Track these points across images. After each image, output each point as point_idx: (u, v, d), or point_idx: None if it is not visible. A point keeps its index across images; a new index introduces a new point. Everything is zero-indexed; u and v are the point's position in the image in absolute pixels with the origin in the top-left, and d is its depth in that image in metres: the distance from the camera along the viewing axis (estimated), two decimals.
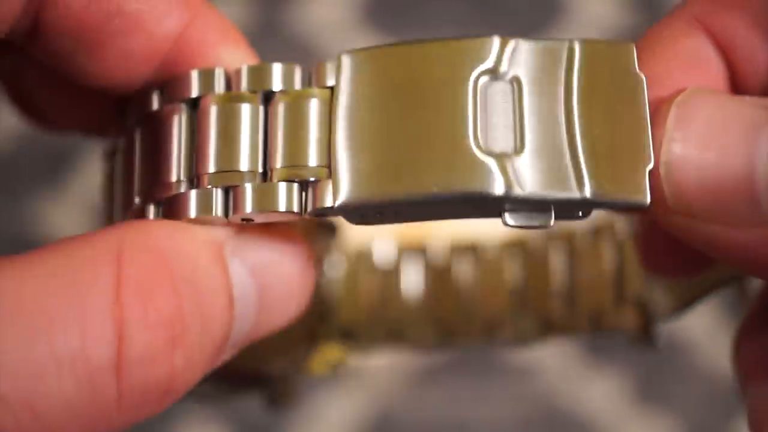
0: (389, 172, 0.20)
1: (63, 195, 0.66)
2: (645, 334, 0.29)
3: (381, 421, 0.64)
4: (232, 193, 0.21)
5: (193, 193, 0.21)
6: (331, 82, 0.21)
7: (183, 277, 0.20)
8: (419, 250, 0.33)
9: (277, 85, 0.22)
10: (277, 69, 0.22)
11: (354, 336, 0.32)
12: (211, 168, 0.21)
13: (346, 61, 0.21)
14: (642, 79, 0.21)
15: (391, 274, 0.33)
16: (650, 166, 0.20)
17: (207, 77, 0.22)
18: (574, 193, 0.20)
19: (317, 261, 0.32)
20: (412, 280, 0.33)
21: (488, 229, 0.33)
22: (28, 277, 0.18)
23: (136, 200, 0.22)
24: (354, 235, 0.34)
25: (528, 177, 0.20)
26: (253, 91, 0.22)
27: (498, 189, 0.20)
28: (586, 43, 0.21)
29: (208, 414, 0.62)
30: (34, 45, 0.23)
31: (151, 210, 0.22)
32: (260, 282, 0.21)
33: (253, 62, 0.23)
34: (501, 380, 0.63)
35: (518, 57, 0.21)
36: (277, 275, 0.22)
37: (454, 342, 0.32)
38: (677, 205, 0.20)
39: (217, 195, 0.21)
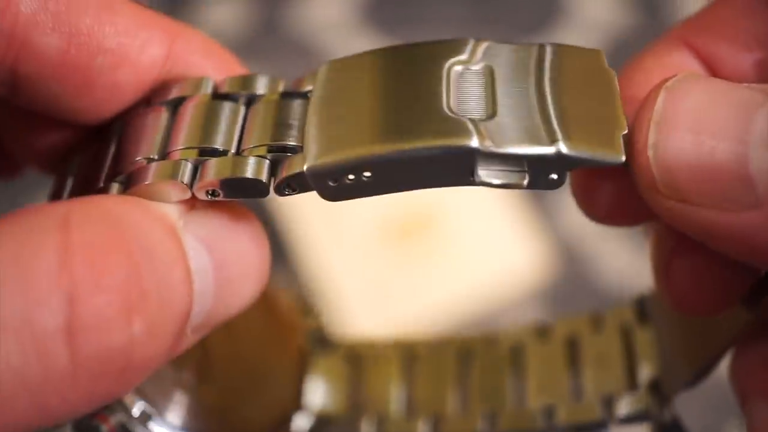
0: (360, 135, 0.20)
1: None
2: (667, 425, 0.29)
3: None
4: (201, 167, 0.21)
5: (160, 163, 0.21)
6: (310, 88, 0.22)
7: (137, 243, 0.19)
8: (408, 345, 0.32)
9: (260, 89, 0.22)
10: (261, 78, 0.22)
11: (331, 427, 0.31)
12: (183, 145, 0.21)
13: (324, 68, 0.22)
14: (612, 73, 0.21)
15: (378, 367, 0.32)
16: (624, 131, 0.20)
17: (194, 82, 0.22)
18: (548, 149, 0.20)
19: (304, 357, 0.31)
20: (400, 374, 0.32)
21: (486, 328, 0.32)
22: None
23: (101, 184, 0.22)
24: (342, 327, 0.33)
25: (500, 135, 0.20)
26: (237, 94, 0.22)
27: (471, 142, 0.19)
28: (557, 45, 0.21)
29: None
30: (14, 94, 0.22)
31: (114, 187, 0.21)
32: (216, 257, 0.21)
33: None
34: None
35: (491, 53, 0.21)
36: (233, 251, 0.21)
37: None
38: (668, 190, 0.20)
39: (186, 166, 0.21)
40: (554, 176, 0.20)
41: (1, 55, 0.21)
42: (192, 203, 0.21)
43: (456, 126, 0.20)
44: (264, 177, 0.20)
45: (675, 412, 0.28)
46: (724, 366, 0.26)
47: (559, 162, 0.20)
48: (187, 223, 0.21)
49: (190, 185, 0.20)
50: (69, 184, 0.23)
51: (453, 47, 0.21)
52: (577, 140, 0.20)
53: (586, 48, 0.22)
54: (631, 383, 0.28)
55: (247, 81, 0.22)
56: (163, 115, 0.22)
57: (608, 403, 0.28)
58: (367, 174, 0.20)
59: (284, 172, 0.20)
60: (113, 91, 0.22)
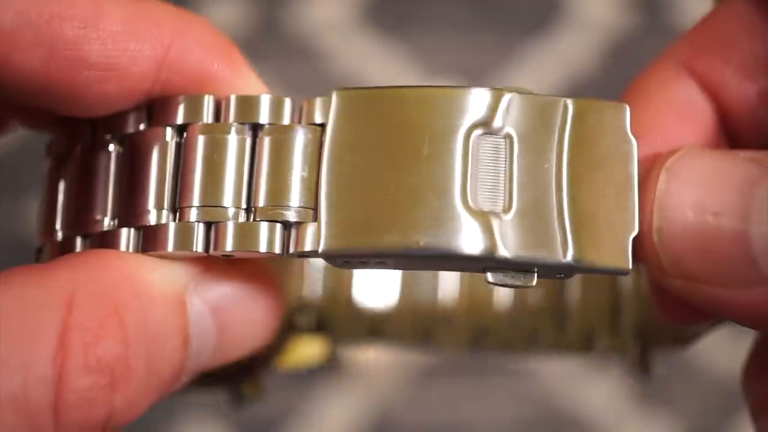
0: (375, 222, 0.20)
1: None
2: (640, 363, 0.29)
3: (381, 421, 0.64)
4: (214, 228, 0.21)
5: (174, 226, 0.21)
6: (320, 120, 0.21)
7: (134, 322, 0.20)
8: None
9: (265, 118, 0.21)
10: (265, 102, 0.22)
11: (332, 329, 0.32)
12: (195, 201, 0.21)
13: (337, 100, 0.21)
14: (633, 143, 0.21)
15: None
16: (634, 233, 0.20)
17: (195, 105, 0.22)
18: (558, 258, 0.20)
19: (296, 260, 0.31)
20: (396, 278, 0.33)
21: None
22: None
23: (107, 221, 0.22)
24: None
25: (513, 238, 0.20)
26: (241, 123, 0.21)
27: (481, 250, 0.20)
28: (579, 102, 0.21)
29: (205, 413, 0.62)
30: None
31: (123, 234, 0.21)
32: (220, 321, 0.21)
33: (245, 73, 0.23)
34: (501, 380, 0.63)
35: (512, 112, 0.21)
36: (239, 314, 0.22)
37: (434, 344, 0.32)
38: (673, 270, 0.20)
39: (199, 229, 0.21)
40: (562, 275, 0.21)
41: None
42: (209, 260, 0.21)
43: (471, 228, 0.20)
44: (277, 248, 0.21)
45: (648, 359, 0.28)
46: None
47: (567, 268, 0.20)
48: (197, 285, 0.21)
49: (205, 248, 0.21)
50: (61, 192, 0.23)
51: (473, 100, 0.21)
52: (588, 249, 0.20)
53: (610, 105, 0.21)
54: (614, 323, 0.29)
55: (251, 108, 0.22)
56: (169, 148, 0.21)
57: (589, 338, 0.29)
58: (380, 260, 0.21)
59: (298, 245, 0.21)
60: (102, 100, 0.22)
